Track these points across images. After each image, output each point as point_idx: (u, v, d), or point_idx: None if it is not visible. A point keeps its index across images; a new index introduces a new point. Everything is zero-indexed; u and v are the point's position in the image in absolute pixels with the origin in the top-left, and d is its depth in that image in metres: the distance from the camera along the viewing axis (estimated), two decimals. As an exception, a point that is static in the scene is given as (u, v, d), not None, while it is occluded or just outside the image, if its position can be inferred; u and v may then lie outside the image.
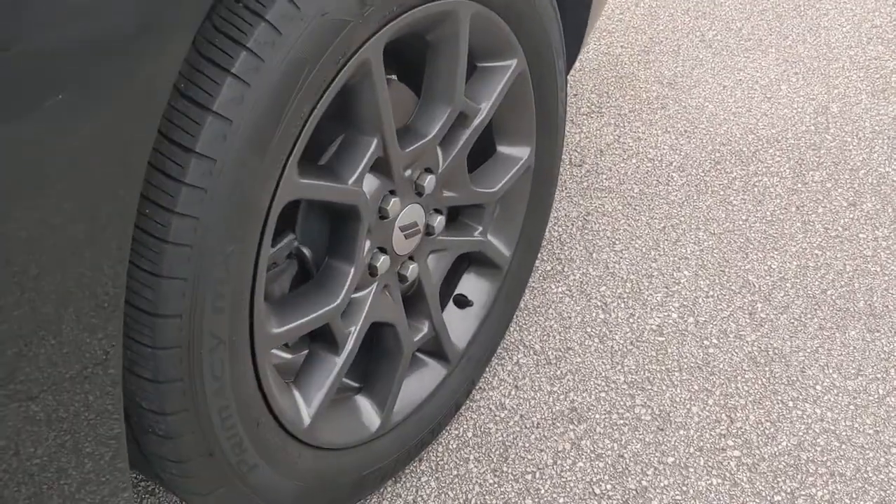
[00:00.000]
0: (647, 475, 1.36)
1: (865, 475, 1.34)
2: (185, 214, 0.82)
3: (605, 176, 1.96)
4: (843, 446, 1.39)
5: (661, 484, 1.35)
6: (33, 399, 0.76)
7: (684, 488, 1.34)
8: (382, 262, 1.15)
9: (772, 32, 2.44)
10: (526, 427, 1.45)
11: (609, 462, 1.38)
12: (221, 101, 0.81)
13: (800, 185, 1.90)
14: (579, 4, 1.51)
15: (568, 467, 1.38)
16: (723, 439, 1.40)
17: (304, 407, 1.10)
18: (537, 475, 1.37)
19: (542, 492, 1.35)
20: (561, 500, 1.34)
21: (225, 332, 0.91)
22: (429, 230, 1.24)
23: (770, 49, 2.37)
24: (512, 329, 1.61)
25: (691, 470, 1.36)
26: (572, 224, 1.83)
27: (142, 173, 0.74)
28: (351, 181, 1.03)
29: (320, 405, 1.11)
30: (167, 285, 0.83)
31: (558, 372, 1.53)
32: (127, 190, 0.74)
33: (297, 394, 1.11)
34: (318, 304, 1.07)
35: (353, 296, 1.13)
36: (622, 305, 1.65)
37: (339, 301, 1.08)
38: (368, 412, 1.25)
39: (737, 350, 1.55)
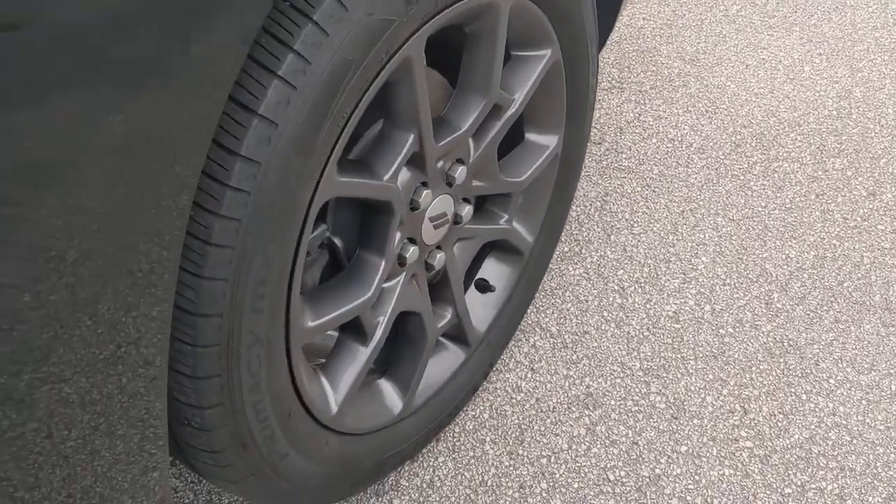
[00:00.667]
0: (661, 463, 1.39)
1: (875, 471, 1.37)
2: (228, 217, 0.82)
3: (624, 155, 1.95)
4: (854, 441, 1.41)
5: (674, 472, 1.37)
6: (66, 381, 0.76)
7: (697, 477, 1.37)
8: (412, 252, 1.15)
9: (797, 9, 2.40)
10: (542, 411, 1.47)
11: (623, 449, 1.41)
12: (267, 104, 0.81)
13: (820, 173, 1.90)
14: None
15: (583, 452, 1.40)
16: (736, 430, 1.43)
17: (332, 395, 1.12)
18: (552, 459, 1.40)
19: (557, 476, 1.38)
20: (575, 485, 1.36)
21: (263, 329, 0.91)
22: (457, 219, 1.23)
23: (794, 27, 2.34)
24: (529, 311, 1.62)
25: (704, 459, 1.39)
26: (591, 205, 1.83)
27: (197, 174, 0.74)
28: (386, 177, 1.03)
29: (348, 393, 1.13)
30: (209, 286, 0.84)
31: (574, 356, 1.55)
32: (182, 178, 0.73)
33: (324, 382, 1.12)
34: (350, 296, 1.08)
35: (382, 287, 1.14)
36: (639, 290, 1.65)
37: (370, 293, 1.09)
38: (391, 396, 1.26)
39: (752, 340, 1.56)
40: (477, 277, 1.44)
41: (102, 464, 0.86)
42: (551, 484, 1.37)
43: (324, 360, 1.17)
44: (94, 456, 0.84)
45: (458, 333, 1.36)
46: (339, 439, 1.15)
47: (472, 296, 1.42)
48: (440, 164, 1.14)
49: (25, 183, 0.61)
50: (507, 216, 1.36)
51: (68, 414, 0.77)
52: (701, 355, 1.54)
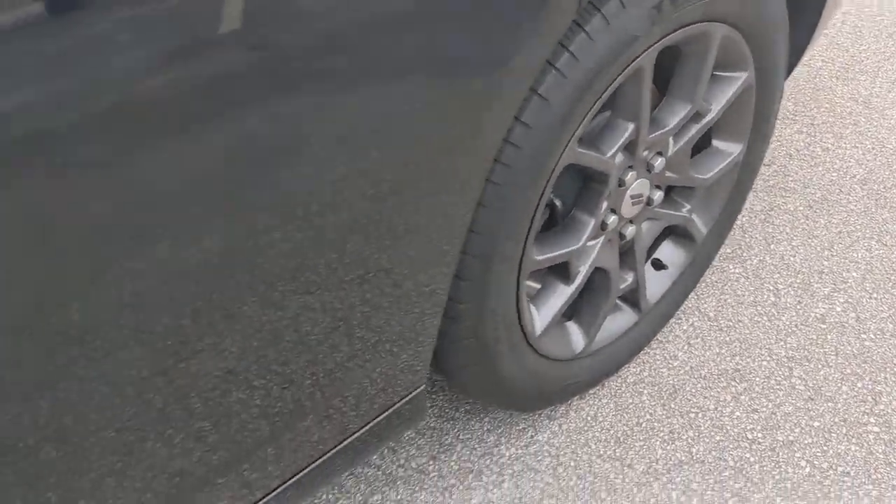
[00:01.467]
0: (795, 432, 1.62)
1: None
2: (502, 163, 1.16)
3: (791, 178, 2.17)
4: (975, 442, 1.59)
5: (806, 441, 1.61)
6: (310, 293, 1.04)
7: (825, 448, 1.59)
8: (612, 220, 1.46)
9: (976, 65, 2.54)
10: (694, 377, 1.73)
11: (763, 416, 1.65)
12: (545, 87, 1.14)
13: (977, 214, 2.06)
14: (805, 24, 1.74)
15: (727, 414, 1.66)
16: (865, 416, 1.64)
17: (538, 319, 1.44)
18: (700, 415, 1.66)
19: (703, 428, 1.64)
20: (717, 438, 1.62)
21: (509, 251, 1.25)
22: (649, 201, 1.53)
23: (971, 81, 2.47)
24: (691, 296, 1.88)
25: (833, 435, 1.61)
26: (755, 216, 2.07)
27: (502, 137, 1.08)
28: (608, 155, 1.34)
29: (549, 323, 1.45)
30: (485, 212, 1.17)
31: (727, 338, 1.80)
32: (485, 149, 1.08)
33: (534, 309, 1.44)
34: (565, 243, 1.40)
35: (587, 243, 1.45)
36: (792, 293, 1.89)
37: (579, 244, 1.40)
38: (577, 336, 1.57)
39: (891, 347, 1.76)
40: (654, 256, 1.72)
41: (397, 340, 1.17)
42: (697, 433, 1.63)
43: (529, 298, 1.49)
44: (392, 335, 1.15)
45: (633, 298, 1.66)
46: (536, 358, 1.47)
47: (648, 271, 1.71)
48: (645, 153, 1.44)
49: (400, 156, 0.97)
50: (688, 206, 1.65)
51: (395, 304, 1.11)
52: (842, 353, 1.76)
